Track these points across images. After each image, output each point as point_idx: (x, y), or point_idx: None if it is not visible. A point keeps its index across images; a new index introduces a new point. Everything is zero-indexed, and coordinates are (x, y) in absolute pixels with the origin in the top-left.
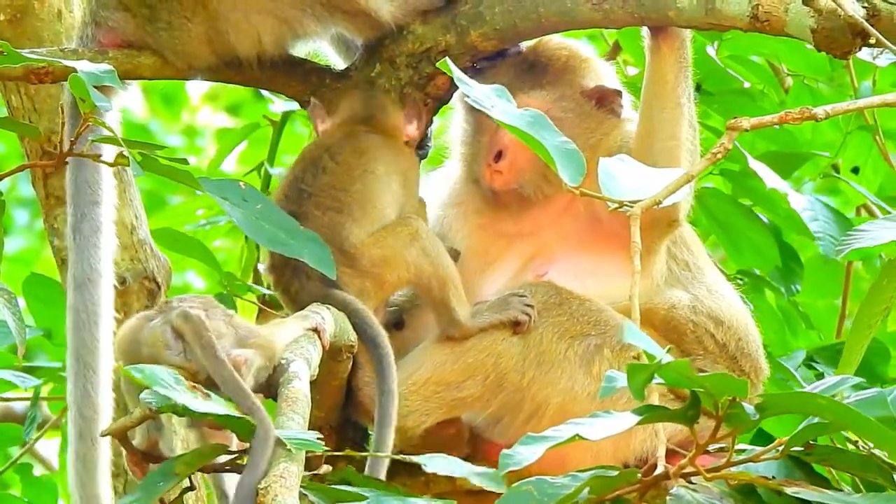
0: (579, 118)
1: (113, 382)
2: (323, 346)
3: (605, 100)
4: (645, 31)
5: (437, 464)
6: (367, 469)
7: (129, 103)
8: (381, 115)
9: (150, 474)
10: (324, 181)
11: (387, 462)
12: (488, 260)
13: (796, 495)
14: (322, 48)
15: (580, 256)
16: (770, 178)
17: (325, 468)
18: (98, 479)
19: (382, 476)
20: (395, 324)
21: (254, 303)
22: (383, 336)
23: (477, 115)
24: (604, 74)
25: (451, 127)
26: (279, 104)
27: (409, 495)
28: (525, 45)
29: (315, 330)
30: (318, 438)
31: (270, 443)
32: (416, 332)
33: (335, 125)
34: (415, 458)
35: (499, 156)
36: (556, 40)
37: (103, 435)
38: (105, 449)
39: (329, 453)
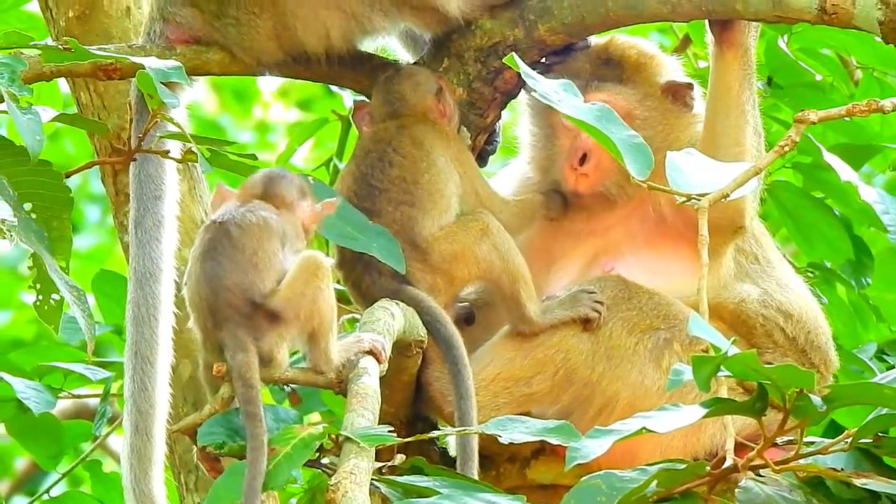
0: (661, 115)
1: (171, 377)
2: (379, 362)
3: (679, 94)
4: (709, 38)
5: (512, 434)
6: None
7: (199, 98)
8: (402, 106)
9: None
10: (394, 174)
11: (476, 462)
12: (554, 257)
13: (865, 487)
14: (390, 43)
15: (647, 254)
16: (844, 171)
17: (400, 457)
18: (152, 473)
19: (475, 474)
20: (466, 319)
21: None
22: (457, 337)
23: (549, 119)
24: (672, 69)
25: (518, 129)
26: (348, 99)
27: (480, 488)
28: (593, 41)
29: (370, 352)
30: (389, 432)
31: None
32: (486, 327)
33: (377, 124)
34: (488, 430)
35: (583, 159)
36: (623, 39)
37: (173, 432)
38: (160, 444)
39: (401, 441)
